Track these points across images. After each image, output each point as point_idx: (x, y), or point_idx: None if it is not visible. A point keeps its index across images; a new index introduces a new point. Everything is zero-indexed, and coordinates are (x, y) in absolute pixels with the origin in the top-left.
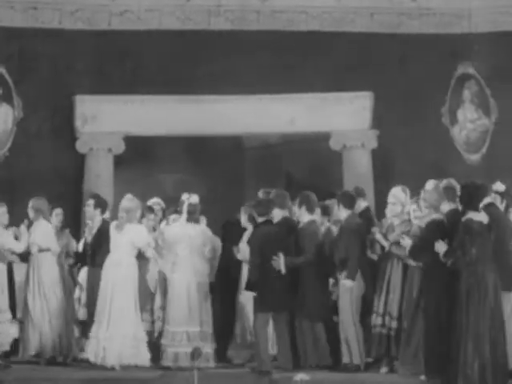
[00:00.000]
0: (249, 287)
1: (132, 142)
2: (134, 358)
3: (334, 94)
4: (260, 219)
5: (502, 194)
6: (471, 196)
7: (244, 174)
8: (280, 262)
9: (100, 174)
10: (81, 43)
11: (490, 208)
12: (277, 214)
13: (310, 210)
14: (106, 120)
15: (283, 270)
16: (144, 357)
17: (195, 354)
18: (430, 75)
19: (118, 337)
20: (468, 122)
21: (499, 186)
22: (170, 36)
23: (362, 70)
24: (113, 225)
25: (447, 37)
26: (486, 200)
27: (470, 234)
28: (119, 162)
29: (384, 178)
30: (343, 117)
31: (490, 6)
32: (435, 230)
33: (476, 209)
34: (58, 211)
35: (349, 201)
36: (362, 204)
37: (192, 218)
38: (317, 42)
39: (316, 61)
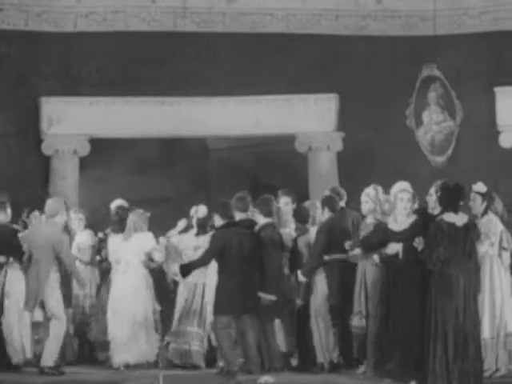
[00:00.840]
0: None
1: (97, 143)
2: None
3: (300, 96)
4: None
5: (482, 195)
6: (450, 197)
7: (209, 175)
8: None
9: (65, 176)
10: (47, 45)
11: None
12: (237, 217)
13: (266, 214)
14: (72, 122)
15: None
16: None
17: (160, 357)
18: (395, 77)
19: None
20: (433, 124)
21: (480, 187)
22: (136, 38)
23: (327, 72)
24: (119, 236)
25: (412, 39)
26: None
27: (438, 233)
28: (85, 164)
29: (349, 180)
30: (308, 119)
31: (454, 7)
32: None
33: (454, 210)
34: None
35: (333, 204)
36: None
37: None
38: (282, 44)
39: (281, 63)
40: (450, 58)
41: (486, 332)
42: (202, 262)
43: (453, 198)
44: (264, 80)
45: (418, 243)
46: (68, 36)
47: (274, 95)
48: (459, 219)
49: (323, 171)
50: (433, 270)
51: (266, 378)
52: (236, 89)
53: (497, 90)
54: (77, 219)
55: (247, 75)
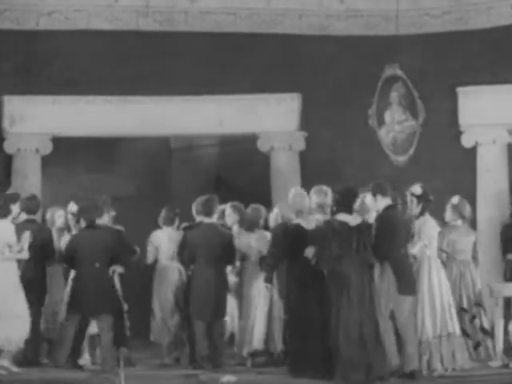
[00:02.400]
0: None
1: (60, 142)
2: None
3: (262, 95)
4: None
5: (418, 197)
6: (344, 199)
7: (171, 175)
8: None
9: (27, 175)
10: (9, 43)
11: (388, 211)
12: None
13: (207, 214)
14: (34, 121)
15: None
16: None
17: (122, 355)
18: (358, 77)
19: None
20: (395, 124)
21: (416, 189)
22: (98, 36)
23: (289, 72)
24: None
25: (375, 38)
26: (387, 202)
27: (329, 232)
28: (47, 162)
29: (311, 180)
30: (271, 118)
31: (416, 7)
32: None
33: (348, 211)
34: None
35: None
36: None
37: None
38: (245, 43)
39: (244, 62)
40: (413, 58)
41: (429, 332)
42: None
43: (347, 200)
44: (227, 79)
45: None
46: (30, 34)
47: (236, 94)
48: (353, 219)
49: (285, 171)
50: (325, 268)
51: (228, 376)
52: (199, 88)
53: (459, 90)
54: None
55: (210, 74)
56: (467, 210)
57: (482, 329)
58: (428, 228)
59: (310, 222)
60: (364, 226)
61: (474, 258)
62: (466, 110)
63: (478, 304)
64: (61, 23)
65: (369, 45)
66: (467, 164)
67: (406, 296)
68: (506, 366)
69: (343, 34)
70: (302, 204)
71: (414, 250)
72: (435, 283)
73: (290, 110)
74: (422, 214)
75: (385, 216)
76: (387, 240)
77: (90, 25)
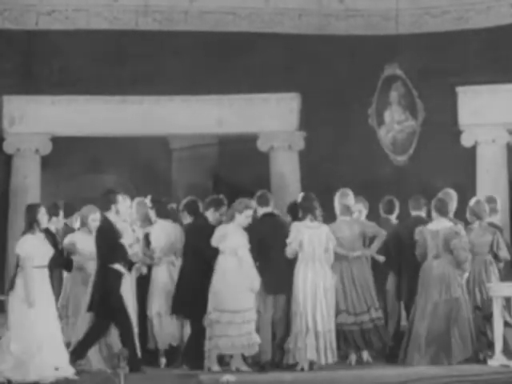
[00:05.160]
0: None
1: (59, 142)
2: None
3: (262, 95)
4: None
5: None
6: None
7: (171, 174)
8: None
9: (27, 175)
10: (8, 43)
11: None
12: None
13: (191, 214)
14: (34, 121)
15: None
16: None
17: (121, 355)
18: (357, 76)
19: None
20: (395, 124)
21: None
22: (98, 36)
23: (289, 71)
24: None
25: (374, 38)
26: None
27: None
28: (46, 162)
29: (311, 180)
30: (270, 118)
31: (416, 7)
32: None
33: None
34: None
35: None
36: None
37: None
38: (245, 42)
39: (244, 62)
40: (412, 58)
41: (299, 327)
42: None
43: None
44: (226, 79)
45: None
46: (30, 34)
47: (236, 94)
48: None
49: (285, 170)
50: None
51: (227, 376)
52: (198, 87)
53: (458, 89)
54: None
55: (209, 74)
56: (484, 210)
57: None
58: (295, 232)
59: None
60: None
61: (496, 256)
62: (466, 110)
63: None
64: (60, 23)
65: (368, 44)
66: (467, 163)
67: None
68: (505, 365)
69: (343, 34)
70: None
71: (287, 252)
72: (308, 283)
73: (289, 110)
74: (298, 219)
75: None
76: None
77: (89, 24)
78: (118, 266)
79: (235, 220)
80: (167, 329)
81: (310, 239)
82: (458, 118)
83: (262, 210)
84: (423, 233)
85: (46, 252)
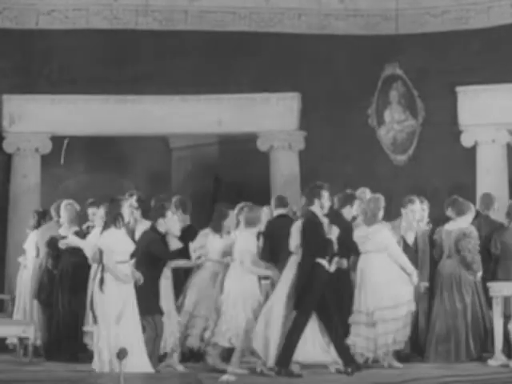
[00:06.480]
0: None
1: (59, 141)
2: None
3: (262, 94)
4: None
5: None
6: None
7: (171, 174)
8: None
9: (27, 174)
10: (8, 42)
11: None
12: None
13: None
14: (33, 120)
15: None
16: None
17: (121, 354)
18: (357, 76)
19: None
20: (395, 123)
21: None
22: (98, 35)
23: (289, 71)
24: None
25: (374, 38)
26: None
27: None
28: (46, 162)
29: (311, 180)
30: (270, 118)
31: (416, 7)
32: None
33: None
34: None
35: None
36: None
37: None
38: (244, 42)
39: (243, 61)
40: (412, 57)
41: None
42: None
43: None
44: (226, 78)
45: None
46: (30, 33)
47: (236, 94)
48: None
49: (285, 170)
50: None
51: (227, 376)
52: (198, 87)
53: (458, 89)
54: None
55: (209, 73)
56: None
57: None
58: (209, 242)
59: None
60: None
61: None
62: (466, 110)
63: None
64: (60, 22)
65: (368, 44)
66: (467, 163)
67: None
68: (505, 365)
69: (342, 34)
70: None
71: None
72: (227, 289)
73: (289, 110)
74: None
75: None
76: None
77: (89, 24)
78: (322, 261)
79: None
80: None
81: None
82: (458, 117)
83: (276, 212)
84: (440, 233)
85: (128, 248)
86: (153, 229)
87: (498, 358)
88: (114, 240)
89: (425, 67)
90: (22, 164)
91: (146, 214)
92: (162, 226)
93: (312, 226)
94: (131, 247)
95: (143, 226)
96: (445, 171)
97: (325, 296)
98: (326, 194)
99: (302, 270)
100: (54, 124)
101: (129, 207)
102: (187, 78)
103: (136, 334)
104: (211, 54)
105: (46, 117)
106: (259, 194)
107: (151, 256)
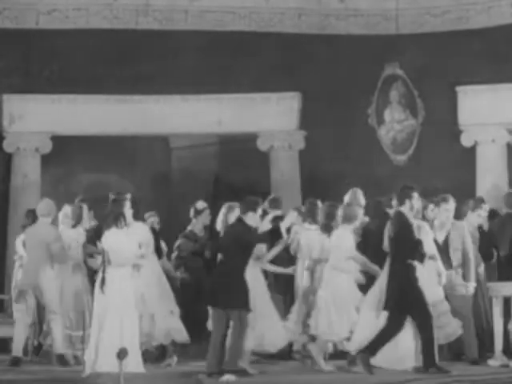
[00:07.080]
0: None
1: (59, 141)
2: None
3: (262, 94)
4: None
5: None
6: None
7: (171, 173)
8: None
9: (27, 174)
10: (8, 42)
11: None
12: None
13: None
14: (33, 119)
15: None
16: None
17: (121, 354)
18: (358, 76)
19: None
20: (395, 123)
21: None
22: (98, 35)
23: (289, 71)
24: None
25: (374, 38)
26: None
27: None
28: (46, 161)
29: (311, 179)
30: (270, 117)
31: (416, 6)
32: None
33: None
34: None
35: None
36: None
37: None
38: (245, 42)
39: (244, 61)
40: (413, 57)
41: None
42: None
43: None
44: (226, 78)
45: None
46: (30, 33)
47: (236, 93)
48: None
49: (285, 170)
50: None
51: (227, 376)
52: (198, 87)
53: (458, 89)
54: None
55: (210, 73)
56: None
57: None
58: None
59: None
60: None
61: None
62: (466, 109)
63: None
64: (60, 22)
65: (368, 44)
66: (467, 163)
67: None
68: (505, 365)
69: (343, 33)
70: None
71: None
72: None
73: (289, 109)
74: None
75: None
76: None
77: (89, 24)
78: (414, 262)
79: None
80: None
81: None
82: (457, 117)
83: (272, 213)
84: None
85: (129, 248)
86: (240, 221)
87: (498, 358)
88: (115, 240)
89: (425, 67)
90: (22, 164)
91: (137, 216)
92: (251, 219)
93: (402, 227)
94: (132, 247)
95: (134, 227)
96: (445, 171)
97: (420, 296)
98: (416, 195)
99: (393, 271)
100: (54, 124)
101: (131, 207)
102: (187, 78)
103: (133, 334)
104: (211, 53)
105: (45, 117)
106: (259, 194)
107: (242, 247)
